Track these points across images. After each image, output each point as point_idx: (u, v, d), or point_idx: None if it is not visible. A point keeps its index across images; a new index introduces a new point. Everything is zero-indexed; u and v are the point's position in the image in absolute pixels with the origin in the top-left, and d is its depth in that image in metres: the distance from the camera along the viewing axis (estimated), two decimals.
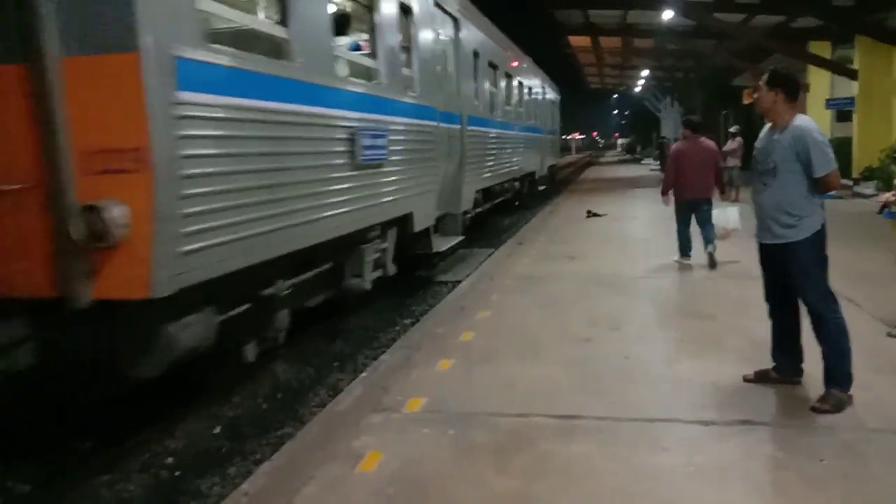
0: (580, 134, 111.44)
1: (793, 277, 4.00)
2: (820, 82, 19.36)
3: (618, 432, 3.70)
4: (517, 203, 16.46)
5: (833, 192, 4.31)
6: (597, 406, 4.04)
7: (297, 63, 4.75)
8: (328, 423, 4.05)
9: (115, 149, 3.32)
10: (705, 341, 5.27)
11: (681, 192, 8.37)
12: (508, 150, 13.88)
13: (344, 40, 6.27)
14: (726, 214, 8.14)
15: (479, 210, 11.30)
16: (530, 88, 17.86)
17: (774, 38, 18.73)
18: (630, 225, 12.46)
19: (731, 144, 16.44)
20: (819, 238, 3.95)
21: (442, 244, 8.50)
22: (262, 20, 4.95)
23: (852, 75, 17.27)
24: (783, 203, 3.94)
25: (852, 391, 3.91)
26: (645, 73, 36.06)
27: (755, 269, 4.39)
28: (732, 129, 16.49)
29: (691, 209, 8.36)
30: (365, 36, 6.70)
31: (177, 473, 3.98)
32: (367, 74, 6.32)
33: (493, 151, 12.23)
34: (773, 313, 4.29)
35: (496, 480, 3.23)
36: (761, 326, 4.50)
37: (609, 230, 11.96)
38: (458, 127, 9.44)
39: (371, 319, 7.15)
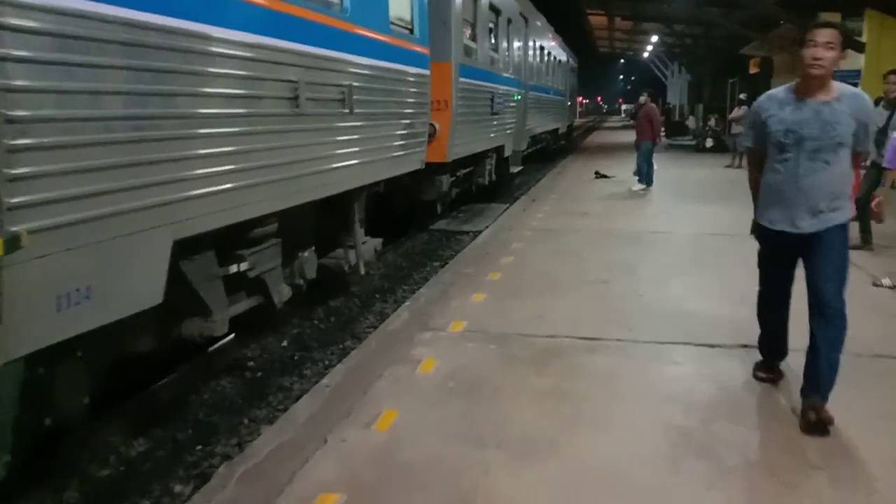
0: (584, 98, 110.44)
1: (823, 265, 3.32)
2: None
3: (636, 351, 4.36)
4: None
5: None
6: (616, 331, 4.69)
7: (479, 60, 9.71)
8: (384, 338, 4.70)
9: (439, 100, 7.79)
10: (709, 284, 5.93)
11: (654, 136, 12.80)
12: (546, 110, 18.31)
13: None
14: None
15: (529, 150, 15.93)
16: (559, 61, 21.60)
17: (784, 7, 18.91)
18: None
19: (737, 112, 16.84)
20: None
21: (513, 169, 13.38)
22: (470, 42, 9.38)
23: (860, 48, 17.49)
24: (838, 183, 3.33)
25: None
26: (654, 38, 36.00)
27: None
28: (742, 97, 16.86)
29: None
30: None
31: (259, 374, 4.65)
32: (494, 62, 10.95)
33: (538, 110, 16.72)
34: (774, 314, 3.81)
35: (536, 380, 3.89)
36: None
37: (617, 190, 12.55)
38: (524, 92, 13.89)
39: (404, 261, 7.79)
